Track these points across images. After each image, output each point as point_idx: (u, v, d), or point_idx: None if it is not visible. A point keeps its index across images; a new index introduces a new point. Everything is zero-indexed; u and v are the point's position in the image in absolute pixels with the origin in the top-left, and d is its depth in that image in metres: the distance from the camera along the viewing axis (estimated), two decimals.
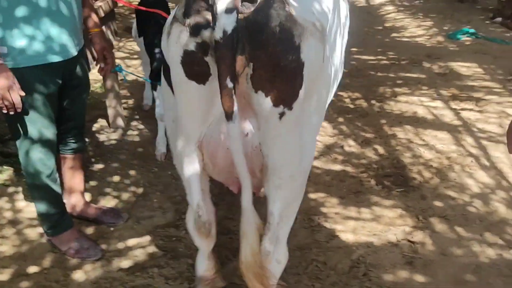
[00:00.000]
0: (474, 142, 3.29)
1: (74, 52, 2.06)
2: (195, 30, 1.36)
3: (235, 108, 1.36)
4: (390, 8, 7.30)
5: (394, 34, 5.83)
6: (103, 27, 3.01)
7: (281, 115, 1.45)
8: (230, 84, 1.33)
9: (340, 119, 3.64)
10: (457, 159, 3.11)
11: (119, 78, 3.51)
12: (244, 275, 1.71)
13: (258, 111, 1.47)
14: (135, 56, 4.88)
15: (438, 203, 2.68)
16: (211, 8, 1.29)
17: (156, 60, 3.01)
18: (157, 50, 2.97)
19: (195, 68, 1.43)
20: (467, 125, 3.50)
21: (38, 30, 1.91)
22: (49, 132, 2.10)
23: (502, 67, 4.50)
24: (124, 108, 3.70)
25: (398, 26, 6.19)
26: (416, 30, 5.66)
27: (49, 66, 1.98)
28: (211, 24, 1.30)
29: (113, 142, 3.36)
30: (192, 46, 1.38)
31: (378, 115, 3.67)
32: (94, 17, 2.34)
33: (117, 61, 3.60)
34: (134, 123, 3.62)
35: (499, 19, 5.87)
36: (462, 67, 4.51)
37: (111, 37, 3.19)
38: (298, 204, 1.79)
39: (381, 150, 3.25)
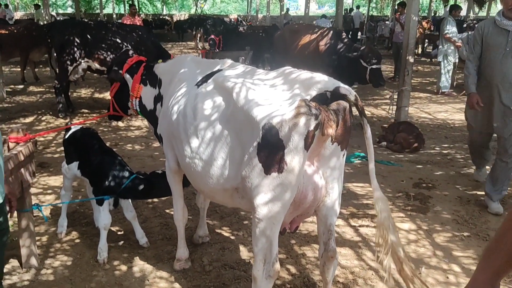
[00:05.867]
0: (372, 256, 3.67)
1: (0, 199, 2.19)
2: (316, 117, 2.26)
3: None
4: None
5: None
6: (22, 170, 3.15)
7: (343, 155, 2.55)
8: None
9: None
10: (360, 273, 3.43)
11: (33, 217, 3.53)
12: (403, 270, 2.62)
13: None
14: (49, 191, 4.89)
15: None
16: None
17: (105, 178, 3.52)
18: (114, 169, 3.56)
19: (309, 141, 2.28)
20: (365, 240, 3.91)
21: None
22: None
23: (390, 186, 5.15)
24: (38, 247, 3.66)
25: None
26: None
27: None
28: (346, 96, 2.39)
29: (26, 283, 3.26)
30: (312, 126, 2.25)
31: (288, 236, 3.97)
32: None
33: (32, 198, 3.63)
34: (48, 261, 3.57)
35: (384, 143, 6.75)
36: (357, 187, 5.09)
37: (29, 178, 3.28)
38: None
39: (293, 269, 3.49)
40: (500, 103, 4.35)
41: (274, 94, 2.44)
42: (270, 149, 2.30)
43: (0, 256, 2.45)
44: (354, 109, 2.50)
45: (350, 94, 2.40)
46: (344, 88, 2.40)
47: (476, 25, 4.74)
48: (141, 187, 3.47)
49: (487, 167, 5.19)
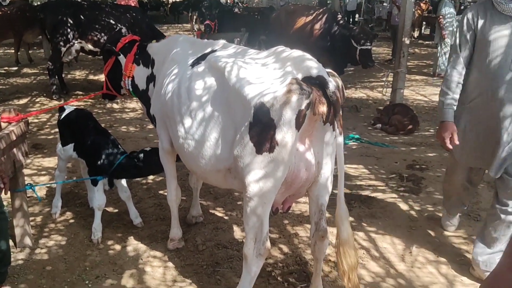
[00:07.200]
0: (364, 235, 3.71)
1: None
2: (308, 96, 2.24)
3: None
4: None
5: None
6: (14, 150, 3.14)
7: (335, 137, 2.47)
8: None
9: None
10: None
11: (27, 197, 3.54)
12: (344, 251, 2.53)
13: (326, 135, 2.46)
14: (44, 172, 4.89)
15: None
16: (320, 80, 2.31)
17: (98, 158, 3.53)
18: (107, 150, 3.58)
19: (300, 120, 2.26)
20: (357, 221, 3.94)
21: None
22: None
23: (384, 167, 5.18)
24: (32, 227, 3.68)
25: None
26: None
27: None
28: (325, 87, 2.29)
29: (20, 262, 3.29)
30: (303, 105, 2.23)
31: (281, 216, 4.00)
32: None
33: (26, 179, 3.64)
34: (42, 240, 3.59)
35: (378, 125, 6.77)
36: (351, 168, 5.11)
37: (21, 158, 3.28)
38: None
39: (285, 248, 3.53)
40: None
41: (266, 73, 2.43)
42: (261, 128, 2.30)
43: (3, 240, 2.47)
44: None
45: (330, 88, 2.30)
46: (327, 79, 2.32)
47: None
48: (132, 166, 3.48)
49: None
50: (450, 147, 3.05)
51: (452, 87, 3.08)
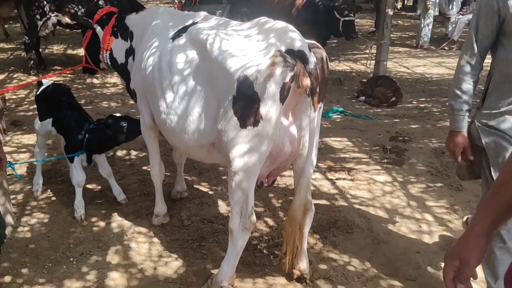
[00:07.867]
0: (349, 207, 3.74)
1: None
2: (292, 68, 2.22)
3: None
4: None
5: None
6: None
7: (319, 108, 2.47)
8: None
9: None
10: (336, 223, 3.51)
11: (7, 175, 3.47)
12: (291, 217, 2.55)
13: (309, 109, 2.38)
14: (23, 150, 4.79)
15: (322, 266, 3.00)
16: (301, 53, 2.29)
17: (76, 134, 3.48)
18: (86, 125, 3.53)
19: (285, 93, 2.24)
20: (342, 193, 3.98)
21: None
22: None
23: (367, 140, 5.20)
24: (14, 205, 3.62)
25: None
26: None
27: None
28: (305, 63, 2.27)
29: None
30: (287, 78, 2.21)
31: (266, 189, 4.01)
32: None
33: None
34: (24, 218, 3.54)
35: (362, 98, 6.77)
36: (335, 141, 5.13)
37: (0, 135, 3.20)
38: None
39: (270, 222, 3.55)
40: None
41: (249, 45, 2.38)
42: (245, 102, 2.27)
43: None
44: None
45: (310, 64, 2.29)
46: (308, 55, 2.31)
47: None
48: (101, 133, 3.43)
49: None
50: (460, 161, 2.45)
51: (464, 88, 2.35)
